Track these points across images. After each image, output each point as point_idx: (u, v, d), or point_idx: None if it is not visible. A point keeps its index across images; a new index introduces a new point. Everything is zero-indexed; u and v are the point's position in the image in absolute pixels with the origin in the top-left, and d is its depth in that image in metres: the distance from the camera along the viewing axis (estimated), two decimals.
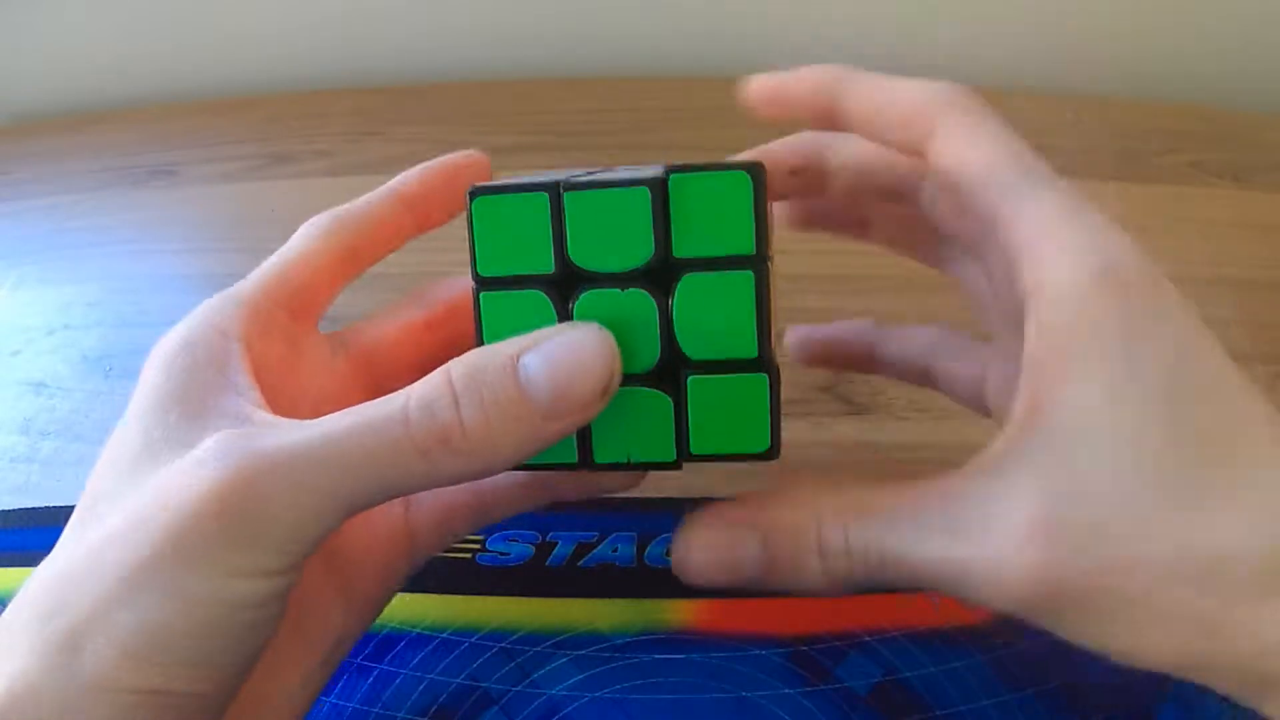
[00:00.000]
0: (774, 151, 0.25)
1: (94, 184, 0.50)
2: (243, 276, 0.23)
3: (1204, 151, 0.49)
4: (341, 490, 0.18)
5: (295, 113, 0.53)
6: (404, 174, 0.25)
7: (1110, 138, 0.50)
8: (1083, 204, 0.19)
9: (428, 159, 0.25)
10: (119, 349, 0.40)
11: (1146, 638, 0.17)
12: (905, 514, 0.19)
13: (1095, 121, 0.51)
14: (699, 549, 0.21)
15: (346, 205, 0.25)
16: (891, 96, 0.22)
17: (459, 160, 0.25)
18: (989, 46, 0.55)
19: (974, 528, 0.18)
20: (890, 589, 0.20)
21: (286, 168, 0.49)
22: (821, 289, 0.39)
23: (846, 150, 0.25)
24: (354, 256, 0.24)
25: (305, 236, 0.24)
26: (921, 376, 0.27)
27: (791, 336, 0.29)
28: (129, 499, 0.18)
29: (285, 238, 0.24)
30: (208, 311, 0.22)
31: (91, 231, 0.47)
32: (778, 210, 0.27)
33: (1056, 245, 0.18)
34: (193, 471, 0.18)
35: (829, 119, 0.23)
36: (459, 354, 0.19)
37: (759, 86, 0.23)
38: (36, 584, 0.18)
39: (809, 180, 0.26)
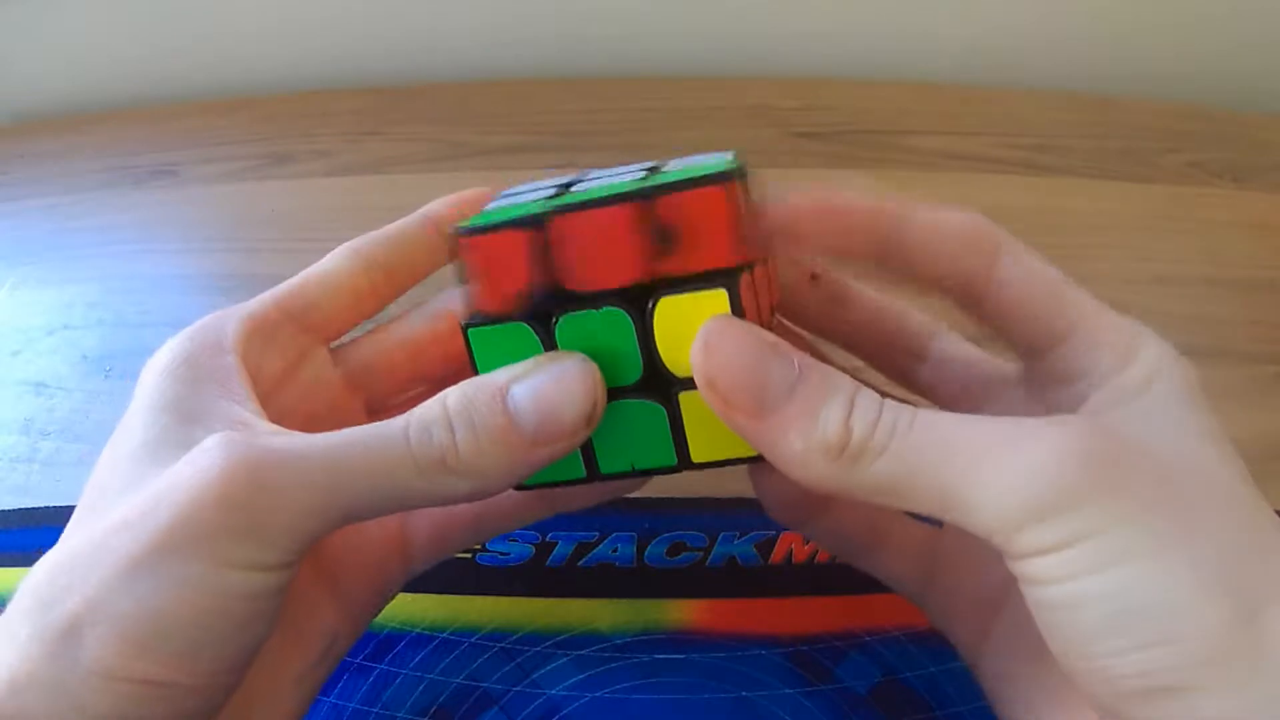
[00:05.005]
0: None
1: (94, 184, 0.50)
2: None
3: (1204, 151, 0.49)
4: (341, 492, 0.19)
5: (295, 113, 0.53)
6: (434, 201, 0.26)
7: (1110, 137, 0.50)
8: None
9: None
10: (119, 349, 0.40)
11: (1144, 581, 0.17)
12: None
13: (1096, 121, 0.51)
14: (727, 350, 0.19)
15: (379, 230, 0.26)
16: (949, 222, 0.21)
17: (485, 194, 0.25)
18: (989, 46, 0.55)
19: (1026, 418, 0.18)
20: (886, 489, 0.18)
21: (286, 168, 0.49)
22: None
23: (866, 290, 0.25)
24: (389, 276, 0.25)
25: (332, 254, 0.25)
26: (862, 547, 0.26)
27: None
28: (132, 494, 0.19)
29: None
30: (209, 323, 0.23)
31: (91, 231, 0.47)
32: None
33: (1130, 339, 0.20)
34: (196, 462, 0.18)
35: (882, 244, 0.22)
36: (456, 373, 0.20)
37: (802, 204, 0.22)
38: (38, 574, 0.19)
39: (830, 294, 0.24)
